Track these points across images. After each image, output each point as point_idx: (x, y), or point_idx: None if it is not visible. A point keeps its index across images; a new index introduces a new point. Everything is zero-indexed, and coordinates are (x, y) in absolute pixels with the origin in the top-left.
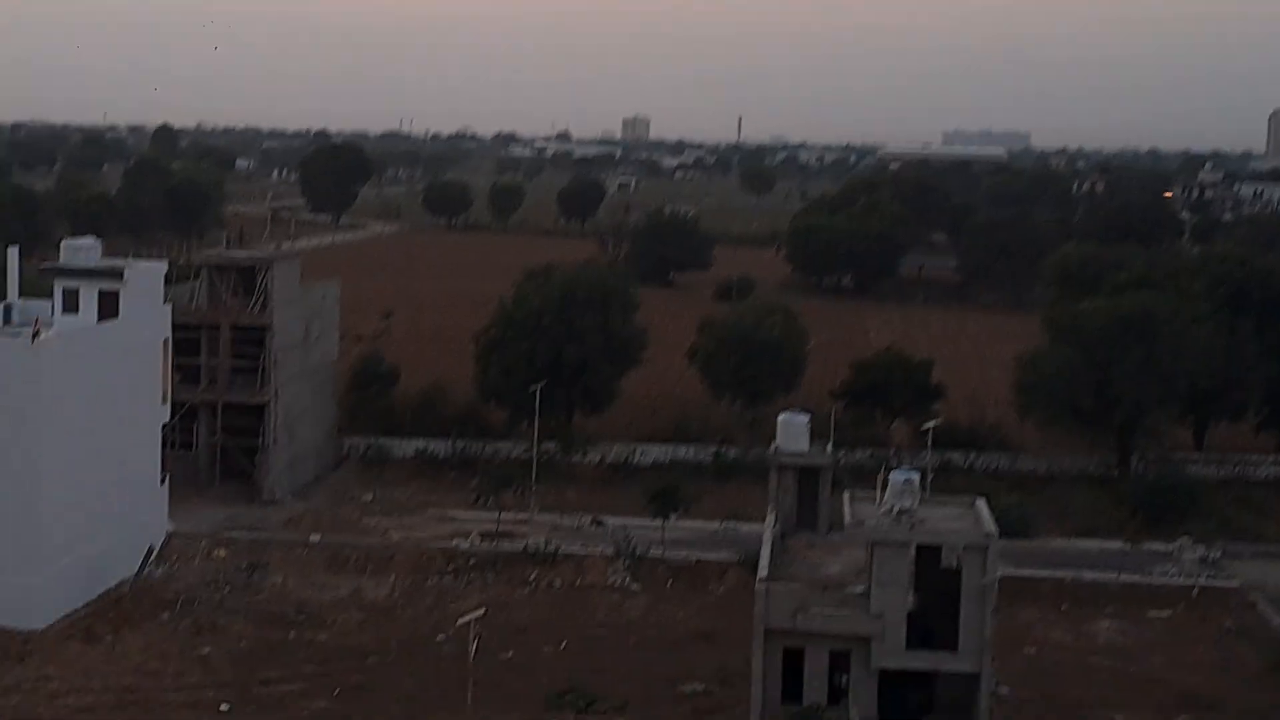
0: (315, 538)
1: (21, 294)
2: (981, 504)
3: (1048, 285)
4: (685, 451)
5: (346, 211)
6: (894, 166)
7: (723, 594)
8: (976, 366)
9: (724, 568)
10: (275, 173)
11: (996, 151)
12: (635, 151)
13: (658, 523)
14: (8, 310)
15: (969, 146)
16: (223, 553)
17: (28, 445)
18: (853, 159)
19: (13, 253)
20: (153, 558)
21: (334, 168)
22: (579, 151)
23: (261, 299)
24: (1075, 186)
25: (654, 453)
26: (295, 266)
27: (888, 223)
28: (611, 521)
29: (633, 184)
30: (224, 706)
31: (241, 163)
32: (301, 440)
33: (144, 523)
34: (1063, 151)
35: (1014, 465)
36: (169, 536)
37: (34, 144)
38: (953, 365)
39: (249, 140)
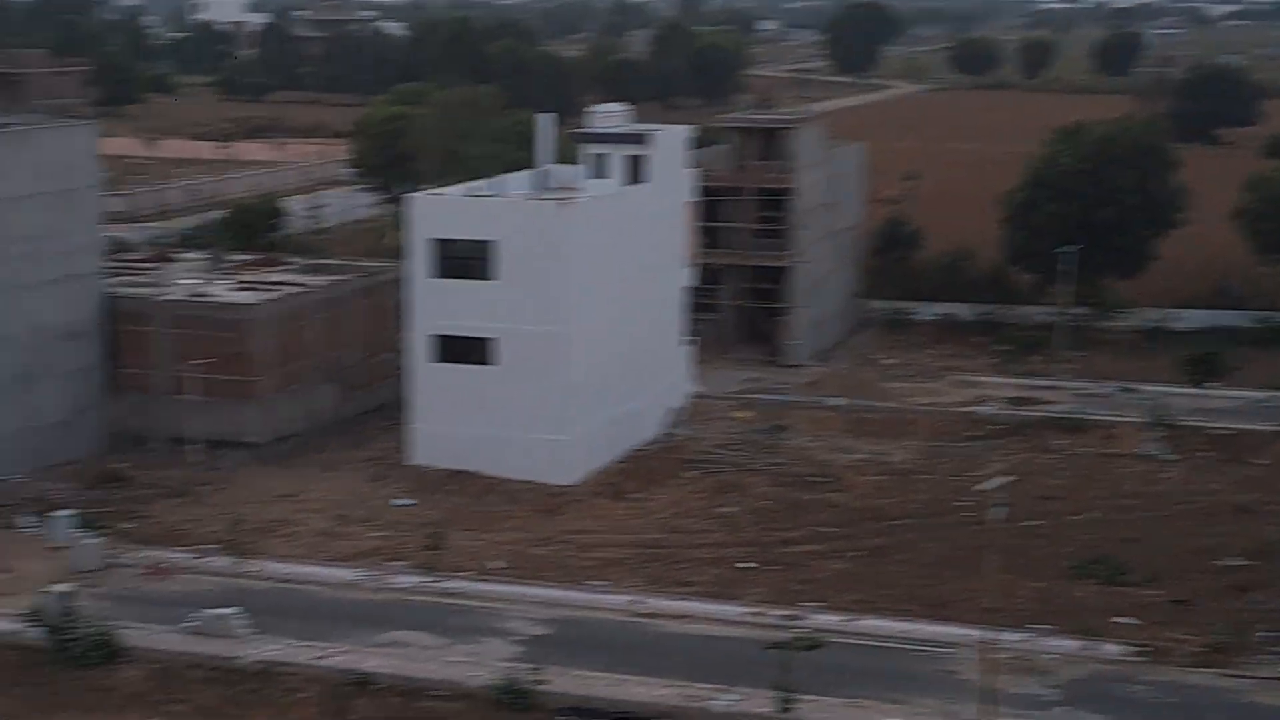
0: (836, 400)
1: (556, 160)
2: None
3: None
4: (1226, 317)
5: (870, 72)
6: None
7: (1266, 466)
8: None
9: (1268, 438)
10: (798, 34)
11: None
12: (1178, 0)
13: (1194, 390)
14: (543, 176)
15: None
16: (745, 414)
17: (560, 307)
18: None
19: (546, 120)
20: (678, 418)
21: (859, 28)
22: (1116, 2)
23: (786, 161)
24: None
25: (1191, 318)
26: (819, 129)
27: None
28: (1143, 389)
29: (1175, 35)
30: (746, 564)
31: (764, 25)
32: (824, 303)
33: (669, 384)
34: None
35: None
36: (693, 397)
37: (563, 13)
38: None
39: (771, 2)
